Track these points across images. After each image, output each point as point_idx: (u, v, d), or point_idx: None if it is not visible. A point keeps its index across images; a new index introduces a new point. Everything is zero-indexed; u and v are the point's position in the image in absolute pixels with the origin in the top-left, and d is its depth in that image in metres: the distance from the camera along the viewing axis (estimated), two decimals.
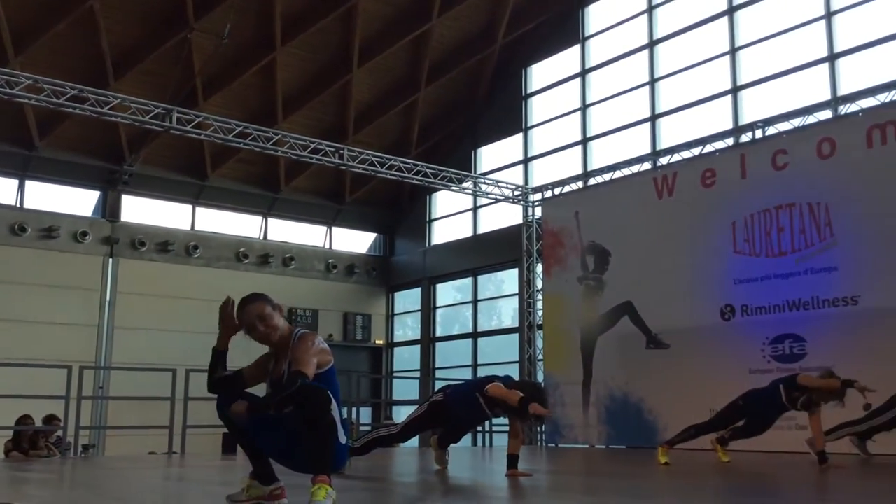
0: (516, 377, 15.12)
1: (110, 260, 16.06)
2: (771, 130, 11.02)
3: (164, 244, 16.60)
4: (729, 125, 13.02)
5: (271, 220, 18.59)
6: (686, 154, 11.91)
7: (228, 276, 17.04)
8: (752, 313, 10.27)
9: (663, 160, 12.28)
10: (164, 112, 11.38)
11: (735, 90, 13.46)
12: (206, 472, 6.85)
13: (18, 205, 15.46)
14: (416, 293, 19.44)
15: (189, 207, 17.47)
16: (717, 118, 13.46)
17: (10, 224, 14.91)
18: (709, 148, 11.76)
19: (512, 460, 5.91)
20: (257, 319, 3.64)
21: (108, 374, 14.87)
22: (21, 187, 15.57)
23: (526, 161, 17.16)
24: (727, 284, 10.71)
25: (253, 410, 3.49)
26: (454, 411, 6.30)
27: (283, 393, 3.45)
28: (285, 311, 3.77)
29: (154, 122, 11.35)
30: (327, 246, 19.31)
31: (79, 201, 16.37)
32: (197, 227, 17.47)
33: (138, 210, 16.86)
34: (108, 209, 16.37)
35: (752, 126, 11.22)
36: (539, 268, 13.98)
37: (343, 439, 3.67)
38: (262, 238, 18.36)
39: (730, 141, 11.87)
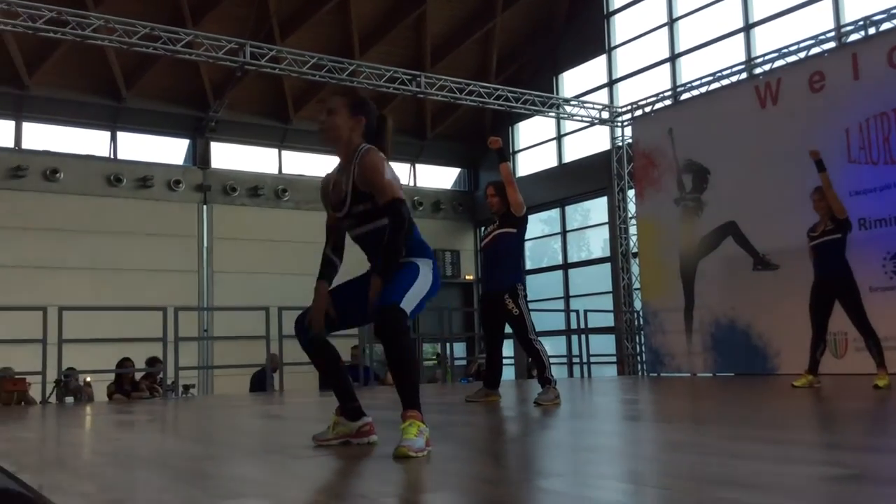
0: (610, 307, 14.76)
1: (204, 207, 16.30)
2: (885, 25, 10.00)
3: (255, 189, 16.72)
4: (831, 26, 11.96)
5: None
6: (790, 59, 10.99)
7: (318, 217, 16.82)
8: (871, 227, 9.48)
9: (764, 67, 11.38)
10: (237, 47, 11.28)
11: None
12: (302, 409, 6.80)
13: (112, 156, 15.79)
14: None
15: (275, 151, 17.51)
16: (818, 20, 12.37)
17: (106, 175, 15.23)
18: (814, 51, 10.80)
19: None
20: (325, 109, 3.37)
21: (210, 317, 15.20)
22: (113, 139, 15.86)
23: (611, 84, 16.35)
24: (842, 196, 9.85)
25: (386, 277, 3.17)
26: None
27: (397, 236, 3.19)
28: (362, 126, 3.36)
29: (228, 58, 11.26)
30: (412, 183, 19.09)
31: (170, 150, 16.62)
32: (284, 171, 17.52)
33: (227, 156, 16.99)
34: (199, 156, 16.55)
35: (864, 22, 10.21)
36: (631, 192, 13.35)
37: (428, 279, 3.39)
38: None
39: (836, 43, 10.88)
